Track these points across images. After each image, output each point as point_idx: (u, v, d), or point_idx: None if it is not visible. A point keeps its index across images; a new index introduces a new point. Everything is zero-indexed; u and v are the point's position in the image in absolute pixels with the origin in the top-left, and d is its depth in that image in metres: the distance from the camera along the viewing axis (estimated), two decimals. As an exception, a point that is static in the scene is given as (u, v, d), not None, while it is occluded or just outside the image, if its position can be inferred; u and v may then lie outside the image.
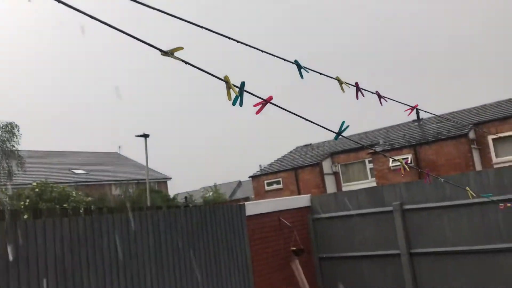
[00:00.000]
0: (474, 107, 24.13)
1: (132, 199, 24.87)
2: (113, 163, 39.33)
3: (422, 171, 3.37)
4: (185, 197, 19.16)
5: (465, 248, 8.16)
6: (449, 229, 8.37)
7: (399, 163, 20.35)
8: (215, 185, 45.34)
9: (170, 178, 39.22)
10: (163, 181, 38.60)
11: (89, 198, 19.64)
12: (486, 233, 7.99)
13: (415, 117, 26.58)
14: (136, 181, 33.49)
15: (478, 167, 19.73)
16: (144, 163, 27.10)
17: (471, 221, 8.14)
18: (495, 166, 19.11)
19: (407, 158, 20.60)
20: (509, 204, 5.95)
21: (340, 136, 2.39)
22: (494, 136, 19.63)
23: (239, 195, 49.59)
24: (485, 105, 23.83)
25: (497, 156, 20.05)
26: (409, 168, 3.28)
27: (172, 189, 38.16)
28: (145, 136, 25.74)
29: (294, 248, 9.25)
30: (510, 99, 23.09)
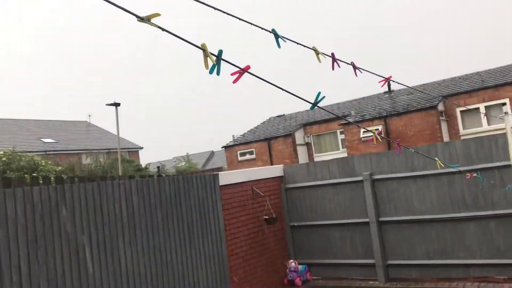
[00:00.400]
0: (444, 80, 24.57)
1: (103, 168, 24.59)
2: (83, 132, 38.64)
3: (393, 142, 3.44)
4: (158, 167, 19.08)
5: (431, 216, 8.45)
6: (416, 198, 8.63)
7: (370, 134, 20.80)
8: (187, 155, 45.19)
9: (142, 147, 38.86)
10: (134, 151, 38.22)
11: (59, 167, 19.31)
12: (451, 202, 8.28)
13: (386, 89, 26.92)
14: (106, 151, 33.05)
15: (446, 138, 20.25)
16: (115, 132, 26.73)
17: (438, 190, 8.41)
18: (462, 137, 19.66)
19: (378, 129, 20.95)
20: (475, 174, 6.17)
21: (316, 107, 2.41)
22: (462, 108, 20.11)
23: (211, 165, 49.64)
24: (454, 78, 24.29)
25: (464, 128, 20.60)
26: (381, 138, 3.35)
27: (144, 159, 37.89)
28: (116, 105, 25.30)
29: (266, 217, 9.40)
30: (478, 73, 23.59)
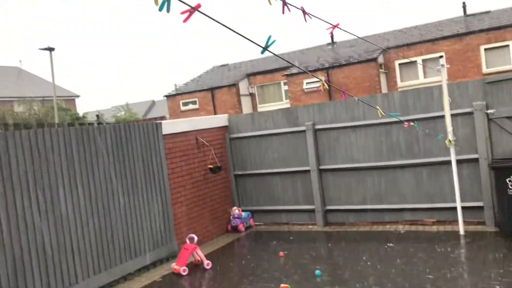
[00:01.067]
0: (384, 33, 25.07)
1: (38, 117, 23.46)
2: (14, 79, 36.36)
3: (339, 89, 3.51)
4: (97, 115, 18.43)
5: (369, 164, 8.84)
6: (355, 147, 8.96)
7: (313, 86, 21.00)
8: (127, 105, 43.96)
9: (79, 96, 37.29)
10: (71, 99, 36.64)
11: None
12: (388, 151, 8.68)
13: (329, 41, 27.14)
14: (41, 98, 31.39)
15: (385, 90, 20.92)
16: (49, 79, 25.37)
17: (376, 140, 8.77)
18: (400, 90, 20.39)
19: (319, 86, 21.22)
20: (412, 123, 6.46)
21: (266, 51, 2.38)
22: (401, 61, 20.73)
23: (153, 115, 48.63)
24: (394, 31, 24.84)
25: (402, 80, 21.32)
26: (328, 86, 3.39)
27: (81, 108, 36.48)
28: (50, 49, 23.87)
29: (211, 166, 9.44)
30: (416, 26, 24.24)
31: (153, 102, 55.52)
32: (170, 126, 8.83)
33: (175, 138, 8.90)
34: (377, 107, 4.41)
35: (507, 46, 19.44)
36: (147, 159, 8.11)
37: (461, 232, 7.68)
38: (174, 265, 7.52)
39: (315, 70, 22.06)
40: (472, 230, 7.75)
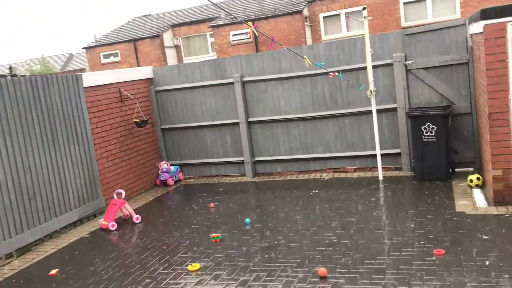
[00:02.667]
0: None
1: None
2: None
3: (268, 37, 3.48)
4: (10, 67, 17.08)
5: (295, 116, 9.03)
6: (283, 99, 9.09)
7: (239, 38, 20.68)
8: (42, 58, 41.23)
9: (-13, 47, 34.18)
10: (-23, 51, 33.52)
11: None
12: (313, 103, 8.89)
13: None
14: None
15: (310, 43, 21.18)
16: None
17: (302, 91, 8.94)
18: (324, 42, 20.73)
19: (248, 32, 21.03)
20: (336, 73, 6.63)
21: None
22: (325, 14, 20.98)
23: (71, 68, 45.93)
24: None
25: (326, 33, 21.66)
26: (255, 35, 3.36)
27: (-10, 61, 33.60)
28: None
29: (136, 120, 9.19)
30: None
31: (71, 55, 52.33)
32: (91, 78, 8.40)
33: (97, 91, 8.52)
34: (305, 56, 4.47)
35: (424, 0, 20.25)
36: (68, 114, 7.72)
37: (380, 177, 8.17)
38: (102, 221, 7.38)
39: (241, 22, 21.76)
40: (390, 175, 8.28)
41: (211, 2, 2.63)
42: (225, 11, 3.21)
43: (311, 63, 4.45)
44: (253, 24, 3.85)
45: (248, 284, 4.87)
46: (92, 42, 26.66)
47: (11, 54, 76.08)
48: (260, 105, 9.27)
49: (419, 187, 7.45)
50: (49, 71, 33.55)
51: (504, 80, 5.93)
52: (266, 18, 21.47)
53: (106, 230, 7.27)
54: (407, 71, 8.12)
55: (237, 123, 9.42)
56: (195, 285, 5.00)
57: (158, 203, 8.59)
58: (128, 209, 7.57)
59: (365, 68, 8.10)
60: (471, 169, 7.93)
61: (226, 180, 9.54)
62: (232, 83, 9.32)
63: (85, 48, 26.07)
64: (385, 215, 6.47)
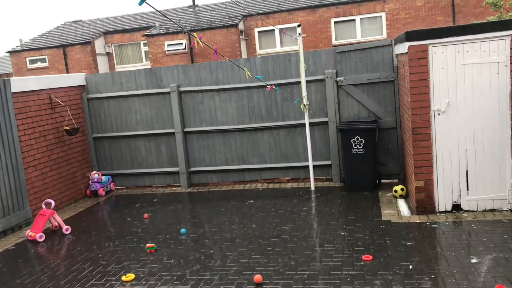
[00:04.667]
0: (245, 0, 25.54)
1: None
2: None
3: (211, 48, 3.59)
4: None
5: (232, 127, 9.16)
6: (219, 110, 9.19)
7: (174, 48, 20.64)
8: (-40, 59, 38.63)
9: None
10: None
11: None
12: (249, 114, 9.07)
13: (191, 3, 26.80)
14: None
15: (245, 57, 21.52)
16: None
17: (238, 103, 9.09)
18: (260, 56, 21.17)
19: (182, 43, 21.02)
20: (274, 86, 6.84)
21: (142, 4, 2.34)
22: (260, 29, 21.45)
23: (-8, 72, 43.17)
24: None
25: (260, 48, 22.14)
26: (202, 44, 3.45)
27: None
28: None
29: (67, 128, 8.88)
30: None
31: (-8, 58, 49.25)
32: (20, 84, 8.05)
33: (26, 97, 8.17)
34: (245, 69, 4.62)
35: (354, 20, 21.32)
36: (-6, 119, 7.33)
37: (312, 188, 8.48)
38: (29, 232, 7.04)
39: (177, 33, 21.71)
40: (321, 186, 8.61)
41: (155, 10, 2.69)
42: (169, 18, 3.27)
43: (251, 76, 4.60)
44: (187, 34, 3.90)
45: (184, 293, 4.87)
46: (17, 46, 25.39)
47: None
48: (197, 115, 9.31)
49: (348, 197, 7.82)
50: (-33, 74, 31.41)
51: (426, 97, 6.42)
52: (202, 30, 21.58)
53: (33, 242, 6.95)
54: (338, 86, 8.53)
55: (173, 133, 9.38)
56: (130, 295, 4.93)
57: (88, 214, 8.33)
58: (58, 219, 7.29)
59: (299, 82, 8.41)
60: (395, 180, 8.44)
61: (160, 191, 9.44)
62: (168, 93, 9.29)
63: (10, 52, 24.77)
64: (316, 224, 6.73)
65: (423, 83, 6.40)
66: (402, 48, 6.93)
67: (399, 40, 7.35)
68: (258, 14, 21.90)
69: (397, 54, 8.00)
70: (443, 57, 6.28)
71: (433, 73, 6.35)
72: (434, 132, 6.46)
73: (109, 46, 24.19)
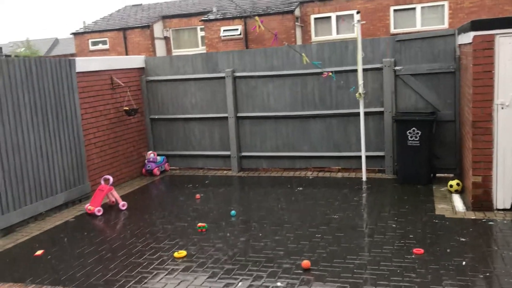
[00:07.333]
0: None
1: None
2: None
3: (272, 32, 3.60)
4: (0, 48, 16.86)
5: (284, 113, 9.17)
6: (272, 96, 9.22)
7: (230, 34, 20.77)
8: (27, 41, 40.62)
9: (-29, 26, 33.53)
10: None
11: None
12: (302, 101, 9.04)
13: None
14: None
15: (299, 44, 21.36)
16: None
17: (292, 90, 9.07)
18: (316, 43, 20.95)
19: (238, 28, 21.14)
20: (330, 73, 6.79)
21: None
22: (316, 16, 21.19)
23: (56, 53, 45.29)
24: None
25: (316, 35, 21.89)
26: (263, 28, 3.47)
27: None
28: None
29: (126, 108, 9.21)
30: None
31: (57, 40, 51.58)
32: (83, 64, 8.41)
33: (89, 77, 8.53)
34: (303, 54, 4.60)
35: (414, 8, 20.62)
36: (59, 98, 7.73)
37: (364, 178, 8.37)
38: (88, 206, 7.41)
39: (233, 18, 21.85)
40: (373, 177, 8.48)
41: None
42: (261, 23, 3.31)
43: (308, 61, 4.58)
44: (243, 20, 3.93)
45: (233, 272, 4.99)
46: (81, 28, 26.42)
47: (-6, 35, 74.58)
48: (250, 101, 9.39)
49: (401, 190, 7.67)
50: (34, 54, 33.08)
51: (489, 90, 6.16)
52: (258, 16, 21.56)
53: (91, 215, 7.31)
54: (396, 76, 8.33)
55: (226, 118, 9.52)
56: (181, 271, 5.10)
57: (144, 192, 8.64)
58: (115, 195, 7.62)
59: (355, 70, 8.27)
60: (451, 175, 8.18)
61: (212, 173, 9.64)
62: (223, 78, 9.41)
63: (74, 33, 25.83)
64: (367, 214, 6.66)
65: (487, 75, 6.14)
66: (466, 38, 6.66)
67: (463, 30, 7.06)
68: (314, 1, 21.61)
69: (460, 44, 7.70)
70: (511, 48, 5.99)
71: (498, 65, 6.07)
72: (496, 126, 6.20)
73: (167, 31, 24.71)
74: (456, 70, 7.93)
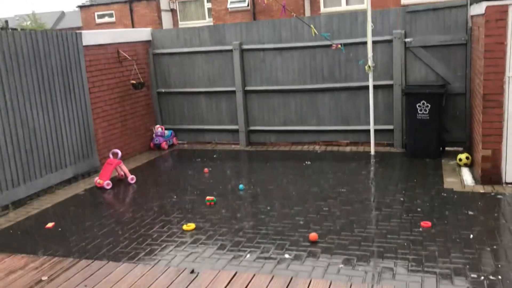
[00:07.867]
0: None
1: None
2: None
3: (280, 3, 3.53)
4: (6, 21, 16.82)
5: (292, 87, 9.09)
6: (281, 70, 9.13)
7: (238, 6, 20.43)
8: (33, 14, 40.34)
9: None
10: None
11: None
12: (311, 75, 8.95)
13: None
14: None
15: (308, 15, 21.02)
16: None
17: (300, 63, 8.97)
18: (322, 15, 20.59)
19: (245, 0, 20.82)
20: (339, 45, 6.68)
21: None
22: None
23: (62, 26, 44.99)
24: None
25: (325, 6, 21.50)
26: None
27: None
28: None
29: (133, 82, 9.18)
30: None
31: (63, 13, 51.19)
32: (90, 37, 8.35)
33: (96, 50, 8.48)
34: (312, 26, 4.51)
35: (425, -21, 20.10)
36: (67, 71, 7.71)
37: (372, 152, 8.33)
38: (97, 179, 7.47)
39: (240, -10, 21.47)
40: (381, 151, 8.45)
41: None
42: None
43: (317, 33, 4.50)
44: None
45: (241, 244, 5.04)
46: (87, 1, 26.15)
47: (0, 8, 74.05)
48: (258, 74, 9.31)
49: (410, 163, 7.64)
50: (40, 27, 32.90)
51: (501, 62, 6.05)
52: (266, -13, 21.17)
53: (101, 189, 7.38)
54: (406, 48, 8.19)
55: (234, 91, 9.46)
56: (190, 243, 5.17)
57: (152, 166, 8.69)
58: (124, 169, 7.67)
59: (364, 43, 8.14)
60: (460, 148, 8.12)
61: (220, 147, 9.65)
62: (230, 51, 9.31)
63: (80, 6, 25.60)
64: (375, 188, 6.66)
65: (499, 47, 6.02)
66: (478, 8, 6.51)
67: (476, 0, 6.89)
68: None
69: (472, 16, 7.53)
70: (525, 19, 5.84)
71: (511, 37, 5.94)
72: (507, 99, 6.11)
73: (174, 3, 24.38)
74: (467, 42, 7.79)
